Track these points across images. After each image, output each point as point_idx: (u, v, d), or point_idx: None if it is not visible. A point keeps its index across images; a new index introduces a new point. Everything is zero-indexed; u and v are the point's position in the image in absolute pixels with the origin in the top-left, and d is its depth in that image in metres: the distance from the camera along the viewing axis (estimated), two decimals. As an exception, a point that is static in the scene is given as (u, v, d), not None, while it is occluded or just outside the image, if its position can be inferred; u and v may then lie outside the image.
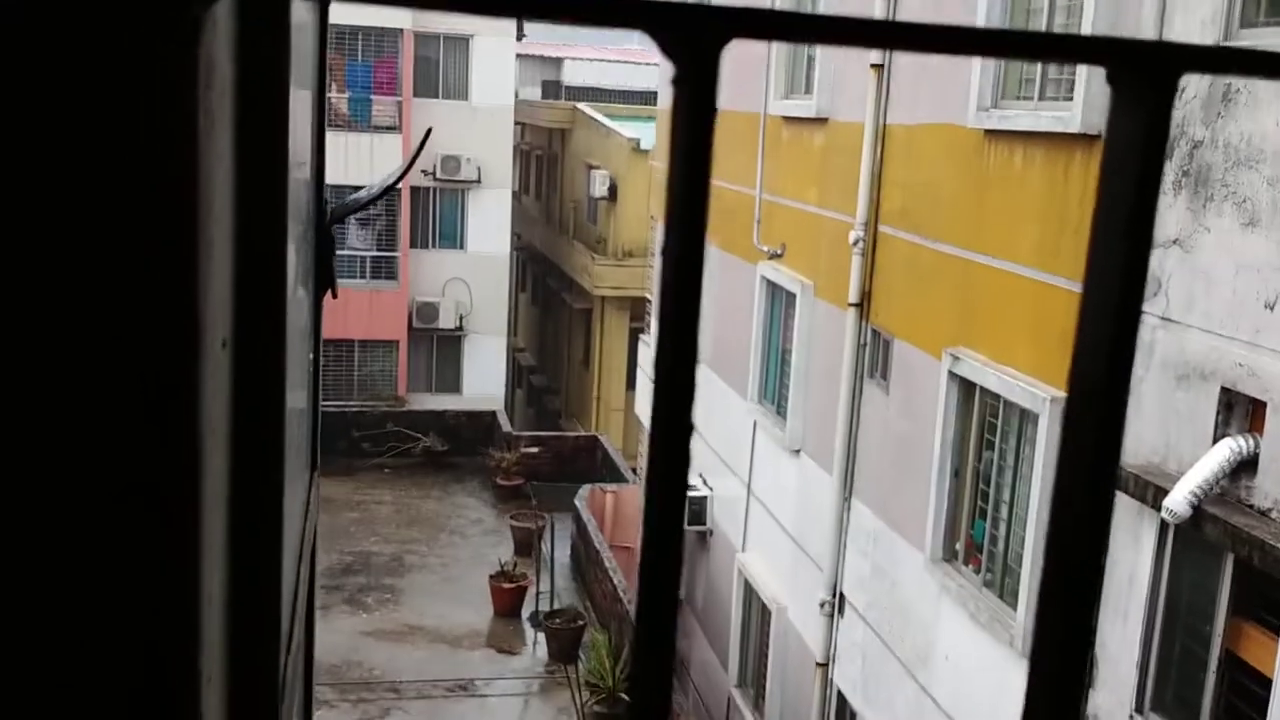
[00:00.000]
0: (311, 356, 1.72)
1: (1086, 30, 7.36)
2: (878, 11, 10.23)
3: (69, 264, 0.47)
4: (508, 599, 17.36)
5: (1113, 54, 0.37)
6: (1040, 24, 8.24)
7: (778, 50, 12.68)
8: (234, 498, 0.68)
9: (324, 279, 1.68)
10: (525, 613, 17.43)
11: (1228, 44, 6.31)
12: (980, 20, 8.57)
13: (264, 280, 0.75)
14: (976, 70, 8.63)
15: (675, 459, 0.43)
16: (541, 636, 16.62)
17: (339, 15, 22.05)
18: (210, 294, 0.51)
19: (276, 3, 0.72)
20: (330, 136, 2.03)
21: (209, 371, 0.51)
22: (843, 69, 11.19)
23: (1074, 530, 0.49)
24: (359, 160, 23.46)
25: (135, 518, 0.50)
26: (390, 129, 25.09)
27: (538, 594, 17.35)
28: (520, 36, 27.71)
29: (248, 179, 0.66)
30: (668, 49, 0.34)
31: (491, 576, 17.58)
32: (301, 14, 1.40)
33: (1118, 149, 0.37)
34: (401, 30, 25.05)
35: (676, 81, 0.35)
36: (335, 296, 1.84)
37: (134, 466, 0.49)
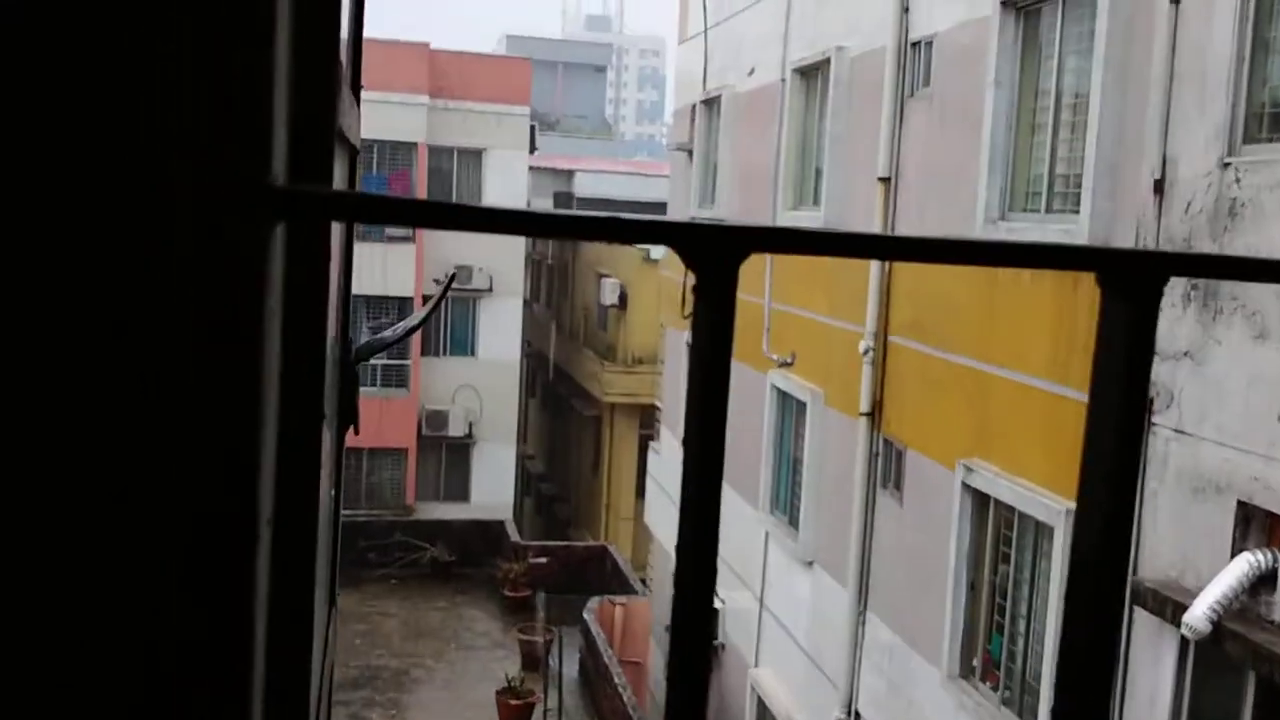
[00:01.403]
0: (333, 493, 1.74)
1: (1091, 147, 7.49)
2: (881, 165, 10.43)
3: (160, 461, 0.51)
4: (515, 716, 17.01)
5: (1103, 262, 0.40)
6: (1045, 147, 8.38)
7: (785, 162, 12.93)
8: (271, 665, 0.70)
9: (347, 416, 1.72)
10: (534, 730, 17.08)
11: (1230, 160, 6.40)
12: (985, 143, 8.72)
13: (302, 463, 0.79)
14: (983, 182, 8.76)
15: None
16: (550, 756, 16.26)
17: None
18: (262, 479, 0.54)
19: (319, 226, 0.78)
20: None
21: (260, 551, 0.54)
22: (851, 181, 11.38)
23: (1086, 646, 0.50)
24: (372, 270, 23.76)
25: (189, 695, 0.52)
26: (404, 239, 25.47)
27: (545, 711, 17.01)
28: (533, 150, 28.29)
29: (290, 368, 0.71)
30: (691, 262, 0.37)
31: (498, 693, 17.26)
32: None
33: (1110, 343, 0.39)
34: (416, 144, 25.60)
35: (697, 289, 0.37)
36: (358, 433, 1.87)
37: (188, 640, 0.51)
